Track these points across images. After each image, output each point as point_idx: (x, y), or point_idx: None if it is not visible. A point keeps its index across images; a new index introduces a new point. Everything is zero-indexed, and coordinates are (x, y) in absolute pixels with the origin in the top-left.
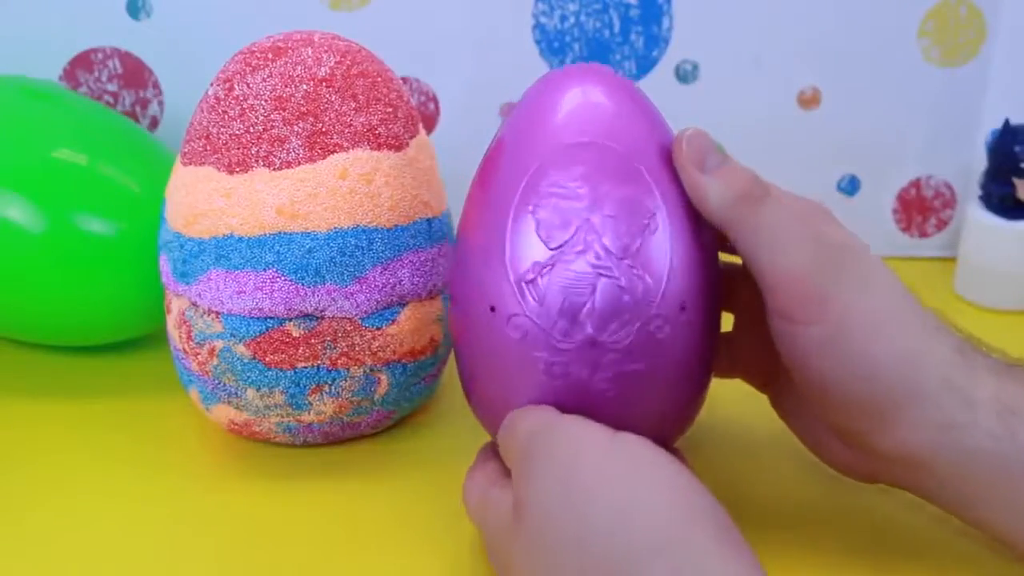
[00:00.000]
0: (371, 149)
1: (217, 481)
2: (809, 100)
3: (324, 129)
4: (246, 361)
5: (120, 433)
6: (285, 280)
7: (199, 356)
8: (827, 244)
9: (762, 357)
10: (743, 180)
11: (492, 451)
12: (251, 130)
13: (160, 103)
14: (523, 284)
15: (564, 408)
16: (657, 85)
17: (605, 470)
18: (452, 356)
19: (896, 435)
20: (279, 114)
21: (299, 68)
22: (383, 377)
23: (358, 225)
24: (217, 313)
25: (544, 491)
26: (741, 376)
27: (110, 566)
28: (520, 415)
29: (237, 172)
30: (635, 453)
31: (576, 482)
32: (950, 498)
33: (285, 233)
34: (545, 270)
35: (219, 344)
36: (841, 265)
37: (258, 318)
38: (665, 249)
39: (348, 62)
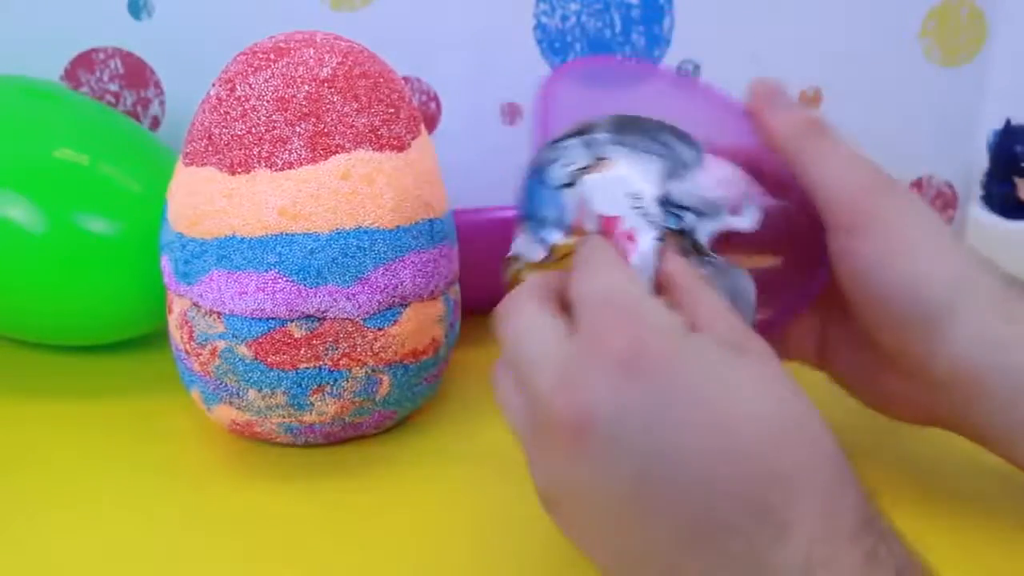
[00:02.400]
0: (373, 150)
1: (218, 481)
2: (810, 100)
3: (326, 130)
4: (248, 362)
5: (121, 433)
6: (287, 281)
7: (201, 356)
8: (882, 173)
9: (817, 329)
10: (807, 116)
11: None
12: (253, 131)
13: (161, 103)
14: None
15: None
16: None
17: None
18: (453, 356)
19: (949, 351)
20: (281, 115)
21: (301, 69)
22: (385, 378)
23: (360, 226)
24: (219, 314)
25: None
26: (797, 358)
27: (110, 566)
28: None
29: (239, 173)
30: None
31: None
32: (1004, 430)
33: (287, 234)
34: None
35: (221, 345)
36: (895, 190)
37: (260, 319)
38: None
39: (350, 63)
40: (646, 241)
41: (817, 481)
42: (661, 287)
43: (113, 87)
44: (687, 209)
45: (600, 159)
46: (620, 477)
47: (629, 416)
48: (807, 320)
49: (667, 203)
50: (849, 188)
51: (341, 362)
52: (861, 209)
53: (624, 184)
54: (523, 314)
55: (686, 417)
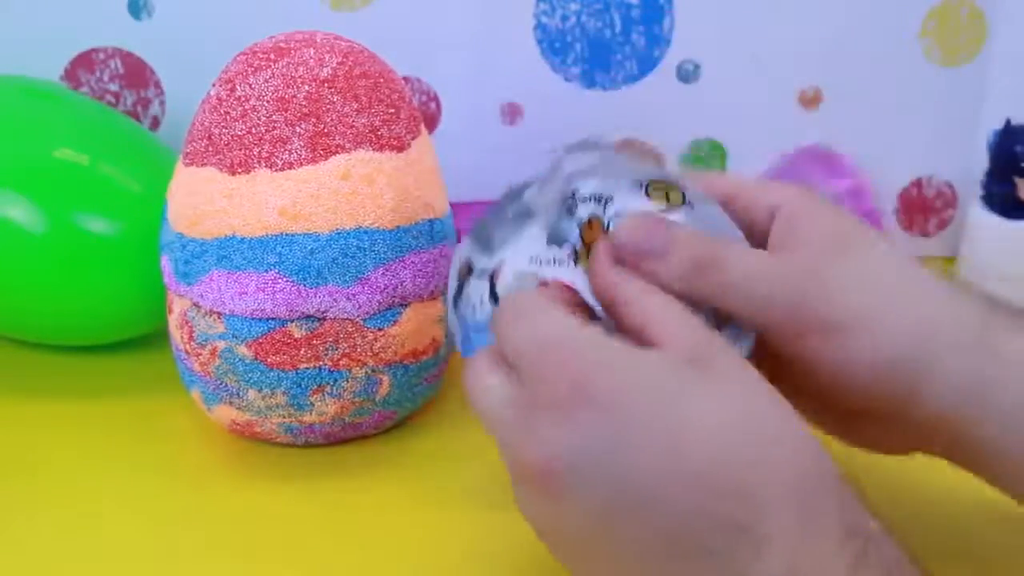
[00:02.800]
0: (373, 150)
1: (218, 481)
2: (810, 100)
3: (326, 130)
4: (248, 362)
5: (121, 433)
6: (287, 281)
7: (201, 357)
8: (803, 256)
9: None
10: (689, 258)
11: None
12: (253, 131)
13: (161, 103)
14: None
15: None
16: (659, 85)
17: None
18: (453, 356)
19: (929, 404)
20: (281, 115)
21: (301, 69)
22: (385, 378)
23: (360, 226)
24: (219, 314)
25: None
26: None
27: (111, 566)
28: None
29: (239, 173)
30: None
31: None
32: (994, 463)
33: (287, 234)
34: None
35: (221, 345)
36: (823, 274)
37: (260, 319)
38: None
39: (350, 63)
40: (568, 273)
41: (790, 492)
42: (606, 307)
43: (113, 87)
44: (591, 199)
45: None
46: (589, 512)
47: (585, 455)
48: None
49: (565, 212)
50: (776, 304)
51: (341, 362)
52: (799, 319)
53: (517, 269)
54: (476, 378)
55: (639, 444)
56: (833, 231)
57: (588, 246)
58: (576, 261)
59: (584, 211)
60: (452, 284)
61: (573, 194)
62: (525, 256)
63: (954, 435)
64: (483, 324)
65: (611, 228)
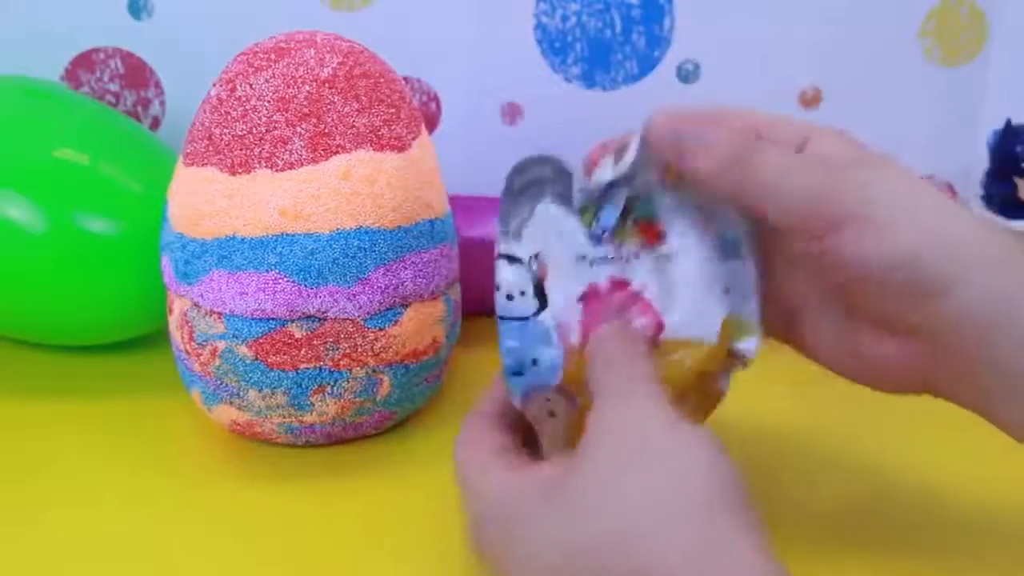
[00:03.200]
0: (374, 150)
1: (219, 481)
2: (810, 100)
3: (327, 130)
4: (248, 362)
5: (121, 433)
6: (288, 281)
7: (201, 357)
8: (825, 159)
9: (784, 307)
10: (728, 143)
11: (493, 422)
12: (254, 131)
13: (162, 103)
14: None
15: None
16: (659, 85)
17: (663, 449)
18: (453, 356)
19: (952, 314)
20: (282, 115)
21: (302, 69)
22: (385, 378)
23: (361, 226)
24: (219, 314)
25: (597, 473)
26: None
27: (111, 566)
28: (608, 360)
29: (240, 173)
30: (695, 441)
31: (635, 458)
32: (1006, 390)
33: (287, 234)
34: None
35: (221, 345)
36: (856, 176)
37: (260, 319)
38: None
39: (351, 63)
40: (618, 266)
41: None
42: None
43: (113, 87)
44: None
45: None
46: None
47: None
48: (771, 300)
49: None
50: (804, 198)
51: (342, 362)
52: (825, 214)
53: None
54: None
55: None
56: (860, 153)
57: (624, 224)
58: (613, 240)
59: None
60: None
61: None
62: (567, 253)
63: (967, 357)
64: (526, 314)
65: (639, 209)
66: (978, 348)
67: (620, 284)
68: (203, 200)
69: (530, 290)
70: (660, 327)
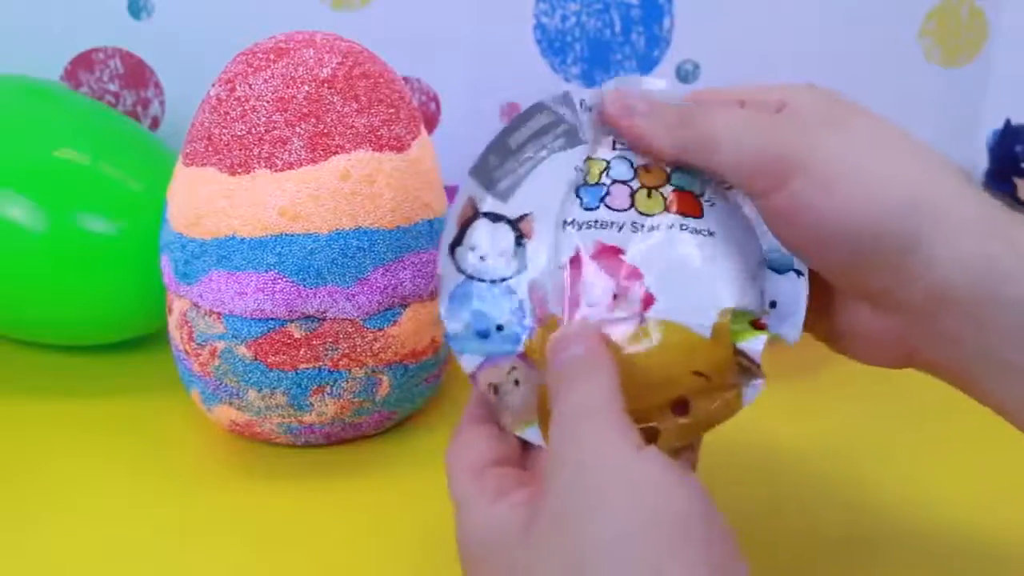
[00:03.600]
0: (373, 150)
1: (218, 481)
2: None
3: (326, 130)
4: (248, 362)
5: (120, 433)
6: (287, 281)
7: (200, 357)
8: (784, 115)
9: None
10: (673, 108)
11: (480, 430)
12: (253, 131)
13: (161, 103)
14: None
15: None
16: None
17: (615, 496)
18: (453, 357)
19: (926, 279)
20: (281, 115)
21: (301, 69)
22: (384, 378)
23: (360, 226)
24: (219, 314)
25: (564, 499)
26: None
27: (111, 566)
28: (572, 376)
29: (239, 173)
30: (649, 477)
31: (588, 503)
32: (994, 368)
33: (287, 234)
34: None
35: (220, 345)
36: (807, 127)
37: (260, 319)
38: None
39: (350, 63)
40: (615, 234)
41: None
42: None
43: (113, 87)
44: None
45: (519, 222)
46: None
47: None
48: None
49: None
50: (750, 153)
51: (341, 363)
52: (772, 168)
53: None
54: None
55: None
56: (826, 111)
57: (648, 189)
58: (629, 201)
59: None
60: (450, 229)
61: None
62: (556, 215)
63: (957, 326)
64: (496, 277)
65: (674, 174)
66: (964, 322)
67: (612, 250)
68: (202, 200)
69: (510, 251)
70: (647, 304)
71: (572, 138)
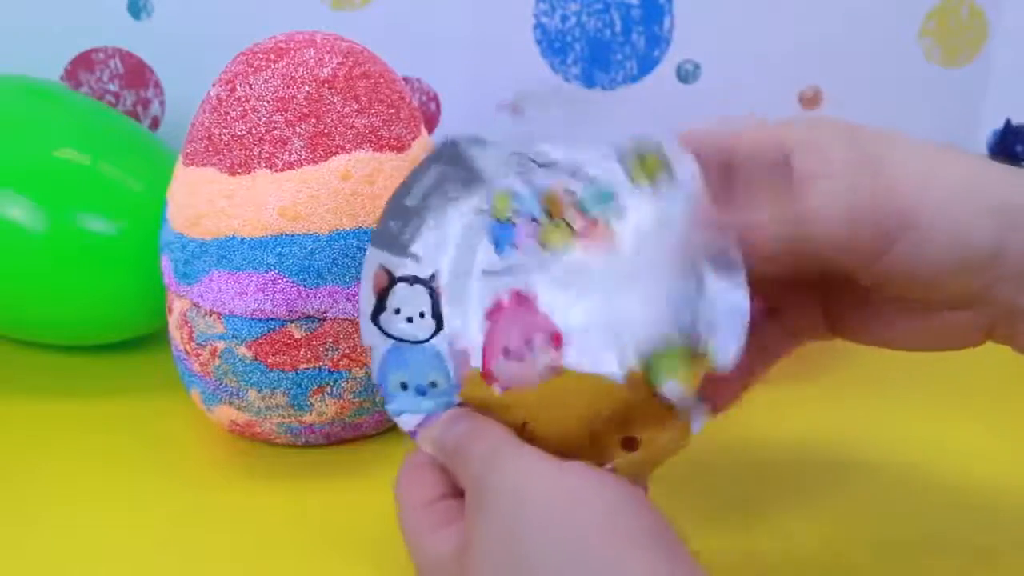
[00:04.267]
0: (373, 150)
1: (218, 482)
2: (810, 100)
3: (326, 130)
4: (248, 362)
5: (120, 433)
6: (287, 282)
7: (201, 357)
8: (849, 181)
9: (816, 313)
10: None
11: (429, 478)
12: (253, 131)
13: (161, 103)
14: None
15: None
16: (659, 85)
17: (548, 514)
18: None
19: (1011, 261)
20: (281, 115)
21: (301, 69)
22: None
23: (360, 226)
24: (219, 314)
25: (490, 536)
26: (803, 341)
27: (111, 566)
28: (471, 434)
29: (239, 173)
30: (578, 488)
31: (519, 528)
32: None
33: (287, 234)
34: None
35: (221, 345)
36: (879, 177)
37: (260, 319)
38: None
39: (350, 63)
40: (520, 277)
41: None
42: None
43: (113, 87)
44: (555, 166)
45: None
46: None
47: None
48: (805, 304)
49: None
50: (848, 228)
51: (341, 363)
52: (872, 235)
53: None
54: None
55: None
56: (861, 151)
57: (554, 221)
58: (536, 239)
59: (547, 179)
60: (368, 298)
61: (531, 159)
62: (467, 268)
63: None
64: (422, 337)
65: (583, 203)
66: None
67: (523, 299)
68: (202, 200)
69: (428, 310)
70: (562, 353)
71: (473, 180)
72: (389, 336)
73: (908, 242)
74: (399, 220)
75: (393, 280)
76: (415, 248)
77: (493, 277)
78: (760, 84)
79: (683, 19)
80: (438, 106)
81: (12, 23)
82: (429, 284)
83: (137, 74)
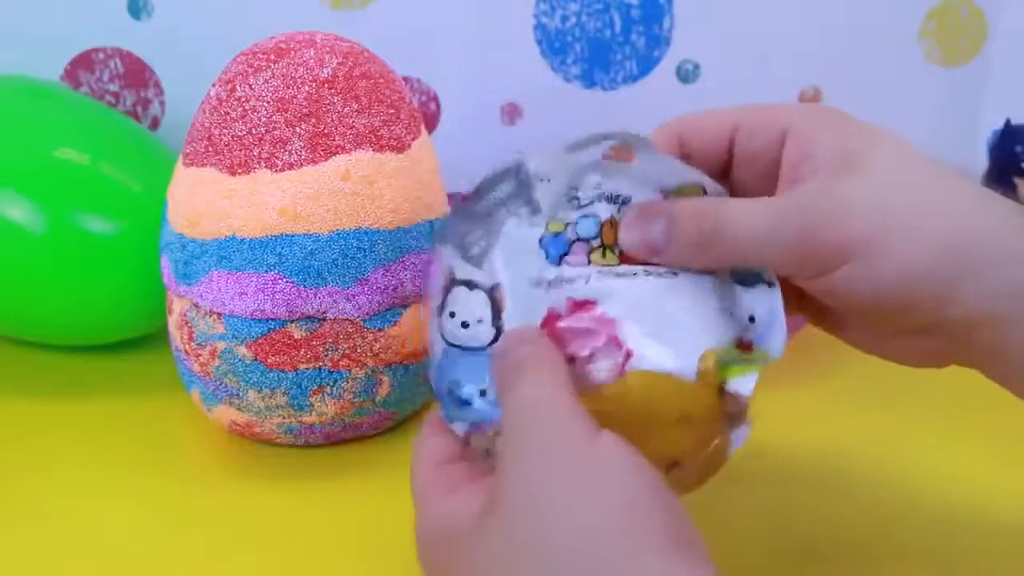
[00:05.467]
0: (373, 151)
1: (219, 482)
2: (810, 100)
3: (326, 131)
4: (248, 363)
5: (121, 434)
6: (287, 282)
7: (201, 357)
8: (806, 187)
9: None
10: (695, 233)
11: (449, 436)
12: (253, 131)
13: (161, 103)
14: None
15: None
16: (658, 85)
17: (571, 484)
18: None
19: (965, 309)
20: (281, 115)
21: (301, 69)
22: (385, 378)
23: (360, 227)
24: (219, 314)
25: (517, 495)
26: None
27: (111, 566)
28: (520, 370)
29: (239, 173)
30: (606, 463)
31: (542, 493)
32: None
33: (287, 235)
34: None
35: (221, 345)
36: (830, 193)
37: (260, 320)
38: None
39: (350, 63)
40: (580, 287)
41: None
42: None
43: (113, 87)
44: (607, 198)
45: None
46: None
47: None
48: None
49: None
50: (789, 251)
51: (341, 363)
52: (813, 261)
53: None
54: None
55: None
56: (842, 150)
57: (605, 247)
58: (587, 255)
59: (602, 210)
60: (436, 293)
61: (583, 195)
62: (526, 278)
63: (991, 343)
64: (476, 344)
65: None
66: (999, 341)
67: (583, 304)
68: (202, 200)
69: (488, 318)
70: (628, 356)
71: (535, 211)
72: (443, 338)
73: (849, 269)
74: (467, 224)
75: (454, 281)
76: (477, 253)
77: (550, 288)
78: (760, 84)
79: (683, 19)
80: (438, 106)
81: (12, 23)
82: (491, 293)
83: (137, 74)
